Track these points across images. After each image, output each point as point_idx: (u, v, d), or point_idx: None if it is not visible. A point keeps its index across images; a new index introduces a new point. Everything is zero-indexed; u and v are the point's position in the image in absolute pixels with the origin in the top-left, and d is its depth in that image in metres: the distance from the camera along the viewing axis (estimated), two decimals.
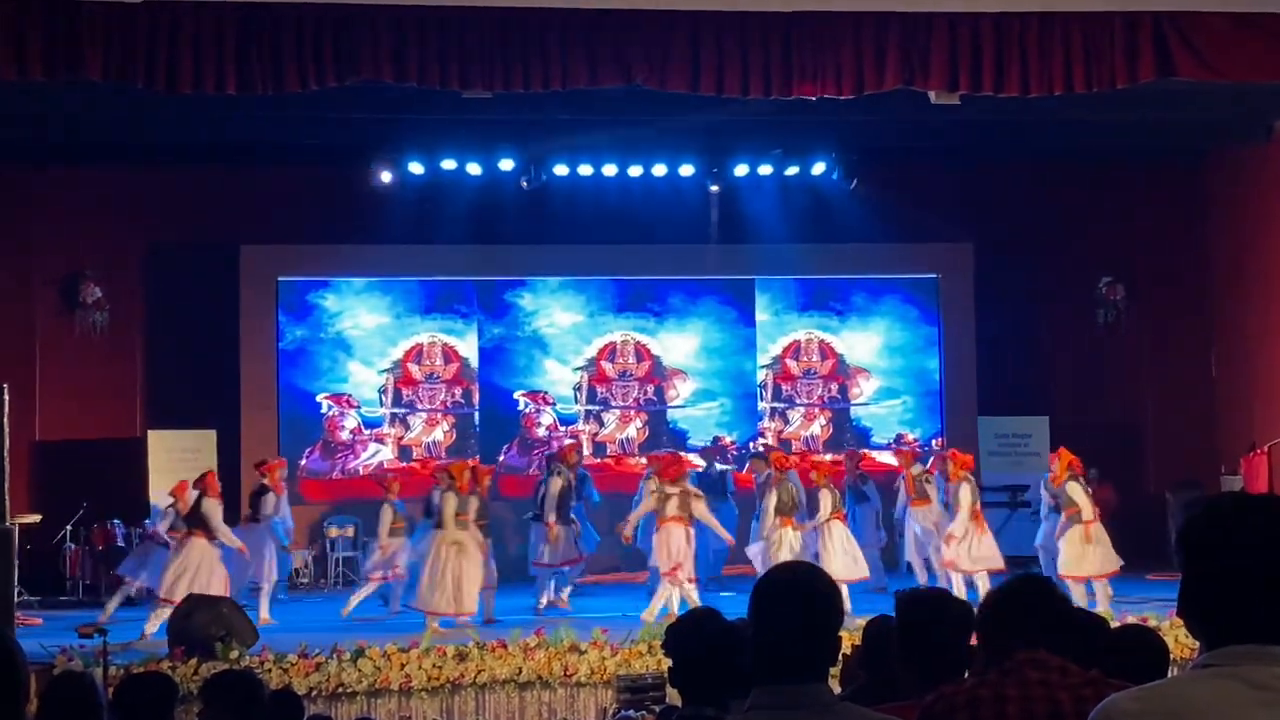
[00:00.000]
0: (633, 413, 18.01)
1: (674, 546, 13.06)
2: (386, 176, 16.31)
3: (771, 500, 13.43)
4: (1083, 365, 17.95)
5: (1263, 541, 2.29)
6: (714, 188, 16.93)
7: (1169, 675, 3.81)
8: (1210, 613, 2.33)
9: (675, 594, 12.91)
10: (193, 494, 13.13)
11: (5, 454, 10.31)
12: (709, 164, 16.61)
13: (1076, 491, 13.49)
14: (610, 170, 16.59)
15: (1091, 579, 13.21)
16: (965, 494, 13.68)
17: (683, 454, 16.13)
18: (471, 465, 13.95)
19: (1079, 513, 13.37)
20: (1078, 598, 12.09)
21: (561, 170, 16.47)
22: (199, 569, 12.52)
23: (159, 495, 16.26)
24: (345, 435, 17.55)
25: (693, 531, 13.27)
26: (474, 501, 13.13)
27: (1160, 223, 17.84)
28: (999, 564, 13.39)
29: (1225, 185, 17.32)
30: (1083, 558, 13.26)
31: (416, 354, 17.76)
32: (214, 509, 12.93)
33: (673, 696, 8.27)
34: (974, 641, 4.01)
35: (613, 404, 17.99)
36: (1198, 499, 2.44)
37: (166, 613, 11.88)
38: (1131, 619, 9.94)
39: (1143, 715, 2.28)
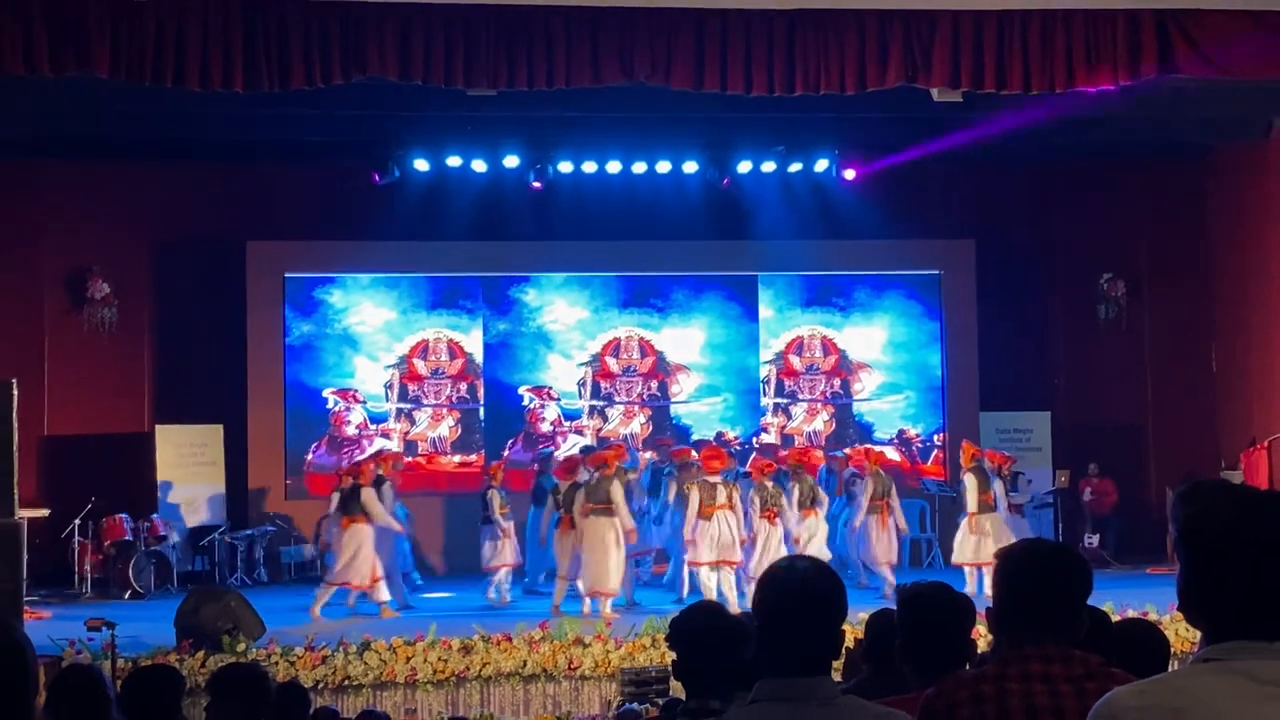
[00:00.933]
0: (636, 408, 18.01)
1: (724, 533, 13.20)
2: (378, 177, 16.32)
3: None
4: (1084, 361, 17.93)
5: (1266, 538, 2.29)
6: (726, 181, 16.88)
7: (1169, 669, 3.80)
8: (1212, 607, 2.33)
9: (728, 578, 13.11)
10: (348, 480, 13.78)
11: (14, 449, 10.29)
12: (721, 162, 16.59)
13: (970, 484, 14.13)
14: (614, 167, 16.57)
15: (970, 566, 13.83)
16: (865, 488, 14.44)
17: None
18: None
19: (980, 503, 14.02)
20: (971, 585, 13.03)
21: (566, 167, 16.46)
22: (358, 553, 13.21)
23: (166, 489, 16.36)
24: (351, 430, 17.55)
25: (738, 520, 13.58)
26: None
27: (1161, 219, 17.82)
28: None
29: (1226, 182, 17.29)
30: (963, 546, 14.01)
31: (422, 349, 17.76)
32: (373, 493, 13.49)
33: (677, 689, 8.27)
34: (975, 635, 4.01)
35: (617, 399, 17.99)
36: (1191, 487, 2.42)
37: (328, 595, 13.20)
38: (1132, 613, 9.98)
39: (1146, 710, 2.27)
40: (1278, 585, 2.29)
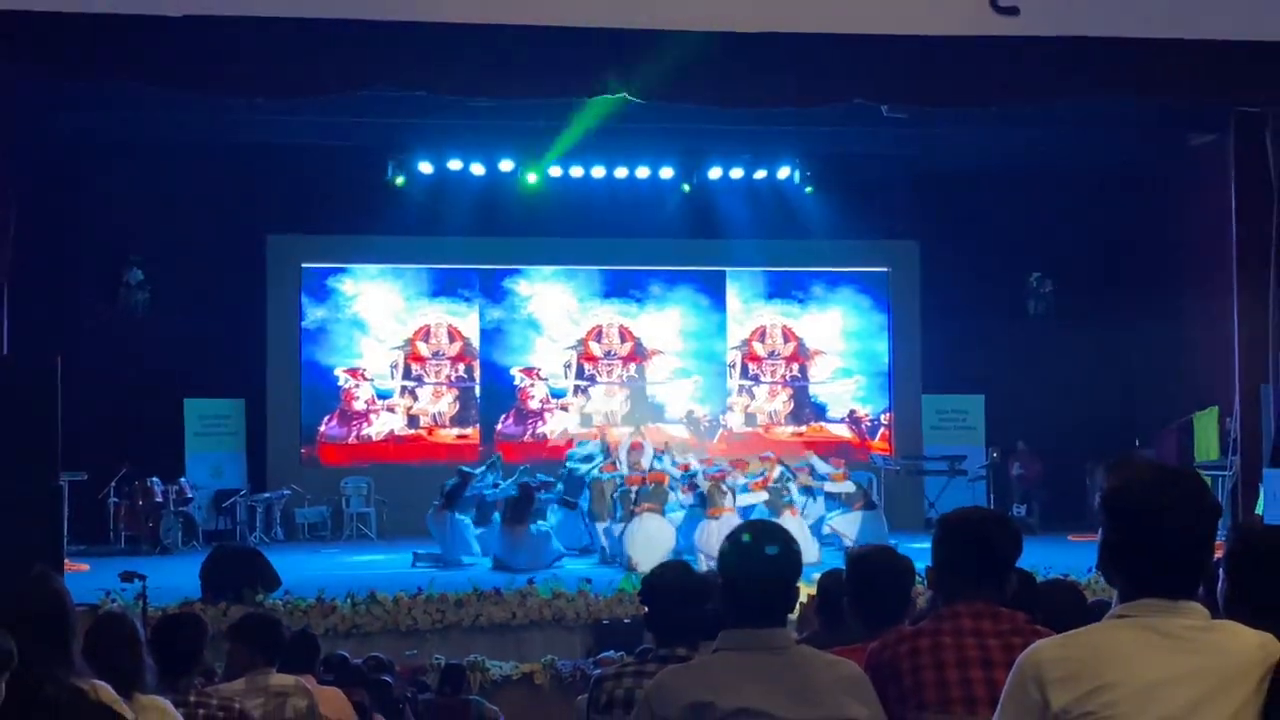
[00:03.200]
0: (616, 388, 18.00)
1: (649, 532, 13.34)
2: (400, 180, 16.25)
3: None
4: (1015, 350, 17.94)
5: (1180, 511, 2.30)
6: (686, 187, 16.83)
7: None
8: (1127, 568, 2.34)
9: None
10: None
11: (58, 419, 10.24)
12: (690, 168, 16.58)
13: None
14: (599, 172, 16.55)
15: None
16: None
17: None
18: None
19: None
20: None
21: (555, 171, 16.43)
22: None
23: (193, 455, 16.31)
24: (360, 405, 17.51)
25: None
26: None
27: (1086, 225, 17.82)
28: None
29: (1145, 192, 17.34)
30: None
31: (424, 333, 17.71)
32: None
33: (649, 639, 8.28)
34: (915, 593, 4.02)
35: (598, 380, 17.99)
36: (1120, 460, 2.44)
37: None
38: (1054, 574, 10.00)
39: (1065, 660, 2.29)
40: (1185, 550, 2.31)
